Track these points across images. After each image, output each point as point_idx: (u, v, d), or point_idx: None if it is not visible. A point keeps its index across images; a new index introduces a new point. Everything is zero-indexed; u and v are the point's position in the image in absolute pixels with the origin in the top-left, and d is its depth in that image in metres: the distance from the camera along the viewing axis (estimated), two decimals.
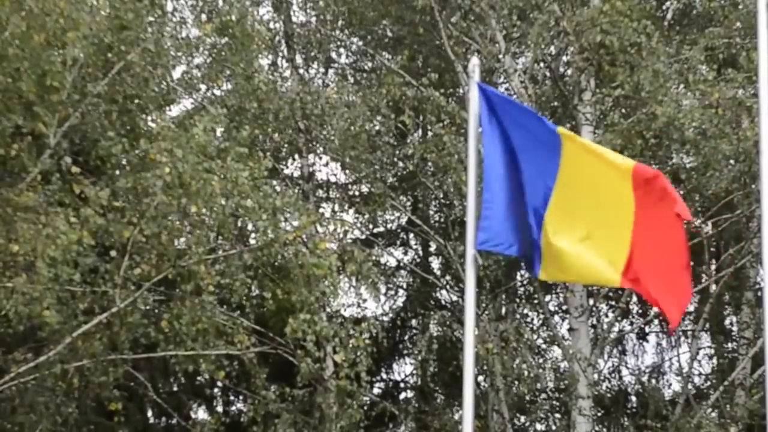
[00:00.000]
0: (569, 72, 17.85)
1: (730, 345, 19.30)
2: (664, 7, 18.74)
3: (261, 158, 14.85)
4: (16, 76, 12.92)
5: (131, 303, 13.45)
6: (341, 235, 16.94)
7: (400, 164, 18.30)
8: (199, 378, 18.53)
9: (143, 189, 13.33)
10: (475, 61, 9.08)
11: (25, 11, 12.90)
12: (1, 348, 13.87)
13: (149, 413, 18.68)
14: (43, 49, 13.06)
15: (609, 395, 19.23)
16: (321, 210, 18.47)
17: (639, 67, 16.11)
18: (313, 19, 19.03)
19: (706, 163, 16.00)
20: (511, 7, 17.10)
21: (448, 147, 16.48)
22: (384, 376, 20.62)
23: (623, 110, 16.86)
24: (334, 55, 19.72)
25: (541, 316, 18.89)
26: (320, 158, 18.52)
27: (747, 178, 16.02)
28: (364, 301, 17.19)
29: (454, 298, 19.01)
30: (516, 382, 16.96)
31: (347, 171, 18.35)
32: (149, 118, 14.59)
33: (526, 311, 19.50)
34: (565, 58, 18.10)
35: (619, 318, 18.34)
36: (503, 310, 18.56)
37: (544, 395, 18.61)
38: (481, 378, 17.44)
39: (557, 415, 18.70)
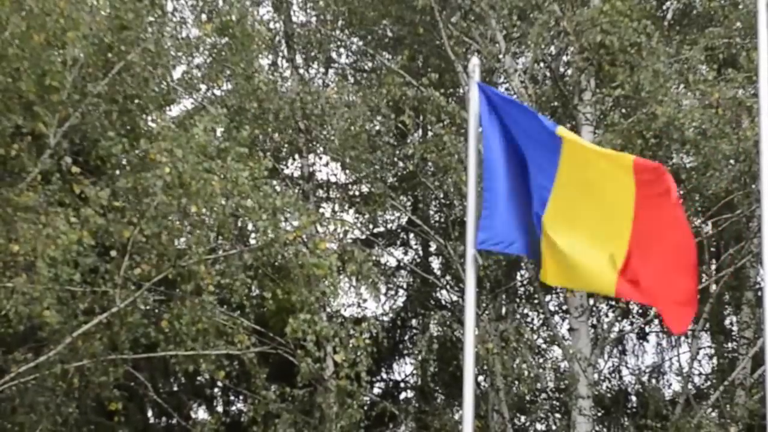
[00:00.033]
0: (569, 72, 17.86)
1: (730, 345, 19.31)
2: (664, 7, 18.74)
3: (261, 158, 14.85)
4: (16, 76, 12.92)
5: (131, 303, 13.45)
6: (341, 235, 16.94)
7: (400, 164, 18.30)
8: (199, 378, 18.53)
9: (143, 189, 13.33)
10: (475, 61, 9.08)
11: (25, 11, 12.90)
12: (1, 348, 13.87)
13: (149, 413, 18.68)
14: (43, 49, 13.06)
15: (609, 395, 19.23)
16: (321, 210, 18.47)
17: (639, 67, 16.11)
18: (313, 19, 19.03)
19: (706, 163, 16.00)
20: (511, 7, 17.10)
21: (448, 147, 16.49)
22: (384, 376, 20.62)
23: (623, 110, 16.86)
24: (334, 55, 19.73)
25: (542, 316, 18.89)
26: (320, 158, 18.53)
27: (747, 178, 16.02)
28: (365, 301, 17.21)
29: (454, 298, 19.02)
30: (516, 382, 16.96)
31: (347, 171, 18.35)
32: (149, 118, 14.59)
33: (526, 311, 19.51)
34: (565, 58, 18.10)
35: (619, 318, 18.34)
36: (503, 310, 18.56)
37: (544, 395, 18.62)
38: (481, 378, 17.44)
39: (557, 415, 18.70)
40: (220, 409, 19.61)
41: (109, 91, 13.90)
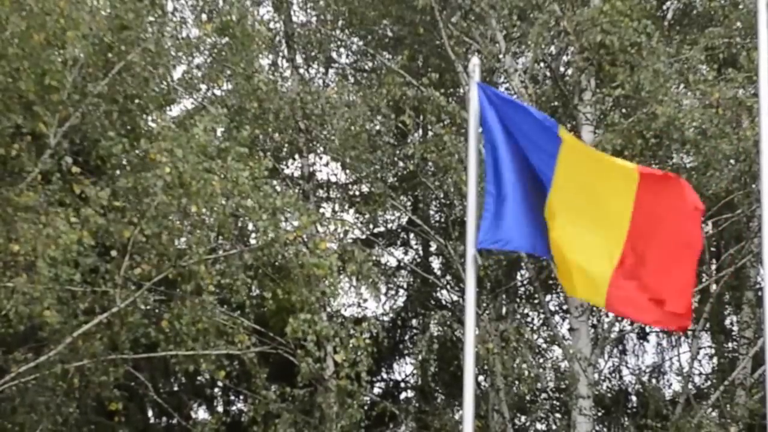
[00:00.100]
0: (569, 72, 17.85)
1: (730, 345, 19.31)
2: (664, 7, 18.74)
3: (261, 158, 14.85)
4: (16, 75, 12.92)
5: (131, 303, 13.46)
6: (341, 235, 16.94)
7: (401, 164, 18.31)
8: (199, 378, 18.53)
9: (143, 189, 13.33)
10: (475, 61, 9.08)
11: (25, 11, 12.90)
12: (1, 348, 13.87)
13: (150, 413, 18.68)
14: (43, 48, 13.06)
15: (609, 395, 19.23)
16: (321, 210, 18.47)
17: (639, 66, 16.11)
18: (314, 19, 19.03)
19: (706, 162, 16.00)
20: (511, 6, 17.10)
21: (448, 147, 16.48)
22: (384, 375, 20.62)
23: (623, 110, 16.86)
24: (334, 55, 19.72)
25: (542, 316, 18.89)
26: (320, 158, 18.53)
27: (747, 177, 16.03)
28: (365, 300, 17.21)
29: (455, 298, 19.02)
30: (516, 382, 16.96)
31: (347, 171, 18.35)
32: (149, 118, 14.59)
33: (526, 311, 19.50)
34: (565, 58, 18.10)
35: (619, 318, 18.33)
36: (504, 310, 18.56)
37: (544, 395, 18.61)
38: (481, 378, 17.44)
39: (557, 415, 18.70)
40: (220, 409, 19.61)
41: (110, 91, 13.90)
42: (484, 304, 17.37)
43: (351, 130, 16.93)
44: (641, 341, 20.23)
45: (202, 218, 13.73)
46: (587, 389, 16.59)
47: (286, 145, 18.13)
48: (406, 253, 20.85)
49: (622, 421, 19.36)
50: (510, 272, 18.42)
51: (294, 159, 18.63)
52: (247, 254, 14.37)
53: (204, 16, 16.25)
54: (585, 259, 8.48)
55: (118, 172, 13.87)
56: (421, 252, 20.80)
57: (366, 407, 16.36)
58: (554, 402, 18.72)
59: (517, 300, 19.23)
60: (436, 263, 20.38)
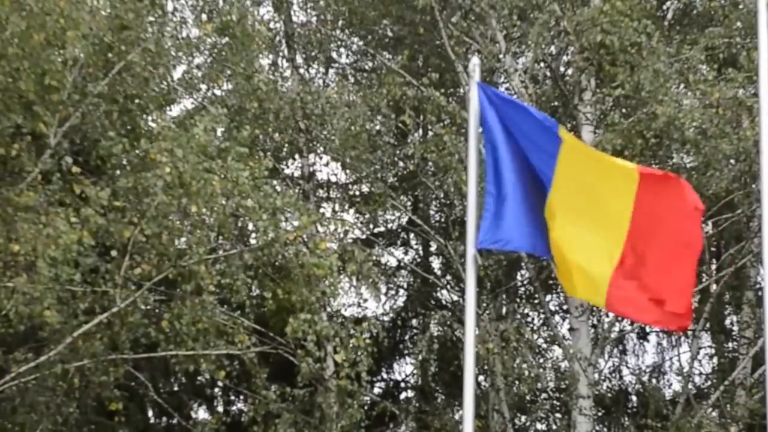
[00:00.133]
0: (569, 72, 17.86)
1: (730, 344, 19.31)
2: (664, 7, 18.74)
3: (261, 158, 14.85)
4: (16, 75, 12.92)
5: (132, 303, 13.46)
6: (342, 235, 16.94)
7: (401, 164, 18.31)
8: (199, 378, 18.53)
9: (144, 189, 13.33)
10: (475, 61, 9.08)
11: (25, 11, 12.90)
12: (1, 348, 13.87)
13: (150, 413, 18.68)
14: (43, 48, 13.06)
15: (609, 395, 19.23)
16: (321, 210, 18.47)
17: (639, 66, 16.11)
18: (314, 19, 19.03)
19: (706, 162, 16.00)
20: (511, 6, 17.09)
21: (448, 147, 16.49)
22: (384, 375, 20.62)
23: (623, 110, 16.86)
24: (334, 55, 19.72)
25: (542, 316, 18.89)
26: (321, 158, 18.53)
27: (747, 177, 16.03)
28: (365, 300, 17.23)
29: (455, 298, 19.02)
30: (516, 382, 16.96)
31: (347, 171, 18.35)
32: (150, 118, 14.59)
33: (526, 311, 19.50)
34: (565, 58, 18.10)
35: (619, 318, 18.32)
36: (504, 310, 18.56)
37: (544, 395, 18.61)
38: (481, 378, 17.44)
39: (558, 415, 18.70)
40: (220, 409, 19.61)
41: (110, 91, 13.90)
42: (484, 304, 17.37)
43: (351, 130, 16.93)
44: (641, 341, 20.25)
45: (202, 218, 13.72)
46: (587, 389, 16.59)
47: (286, 145, 18.13)
48: (406, 253, 20.86)
49: (622, 421, 19.37)
50: (510, 272, 18.42)
51: (294, 159, 18.64)
52: (247, 254, 14.36)
53: (204, 16, 16.25)
54: (585, 259, 8.48)
55: (118, 172, 13.87)
56: (421, 252, 20.80)
57: (366, 407, 16.36)
58: (554, 402, 18.72)
59: (517, 300, 19.22)
60: (436, 263, 20.39)
